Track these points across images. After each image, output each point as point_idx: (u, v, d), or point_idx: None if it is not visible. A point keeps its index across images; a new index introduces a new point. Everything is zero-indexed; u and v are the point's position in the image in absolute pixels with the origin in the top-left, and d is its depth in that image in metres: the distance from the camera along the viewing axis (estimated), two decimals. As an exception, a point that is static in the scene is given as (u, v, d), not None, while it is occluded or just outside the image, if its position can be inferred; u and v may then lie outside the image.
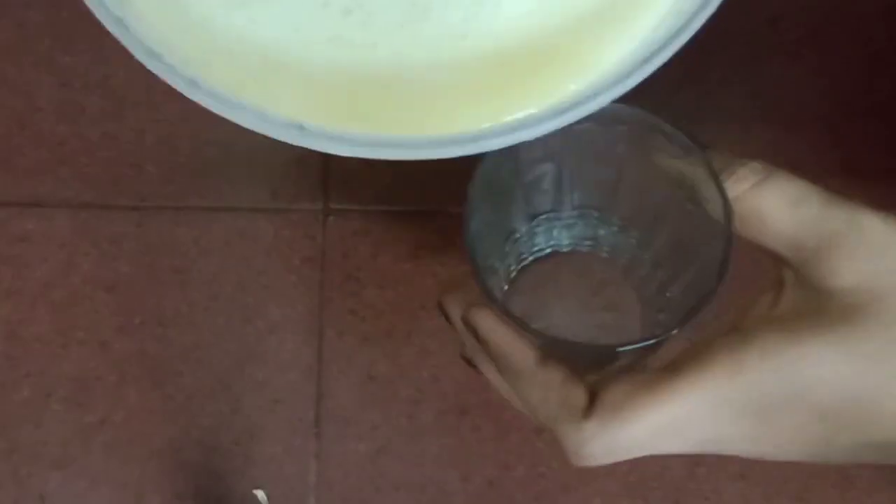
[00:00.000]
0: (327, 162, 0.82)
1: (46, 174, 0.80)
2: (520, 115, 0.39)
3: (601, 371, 0.43)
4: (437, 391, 0.77)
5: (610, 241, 0.52)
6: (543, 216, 0.51)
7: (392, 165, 0.83)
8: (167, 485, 0.75)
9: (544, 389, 0.42)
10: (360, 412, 0.76)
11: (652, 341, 0.40)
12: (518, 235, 0.51)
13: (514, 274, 0.53)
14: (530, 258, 0.53)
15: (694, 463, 0.76)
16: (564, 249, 0.54)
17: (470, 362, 0.49)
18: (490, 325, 0.43)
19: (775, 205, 0.41)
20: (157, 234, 0.79)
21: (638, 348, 0.40)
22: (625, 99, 0.41)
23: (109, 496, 0.75)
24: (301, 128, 0.38)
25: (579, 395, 0.41)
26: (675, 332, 0.40)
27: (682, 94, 0.78)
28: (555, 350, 0.41)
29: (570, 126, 0.40)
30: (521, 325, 0.40)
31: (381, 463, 0.75)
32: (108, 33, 0.84)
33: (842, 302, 0.39)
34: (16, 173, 0.80)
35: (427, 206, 0.80)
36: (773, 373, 0.38)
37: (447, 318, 0.46)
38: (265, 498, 0.69)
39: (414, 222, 0.80)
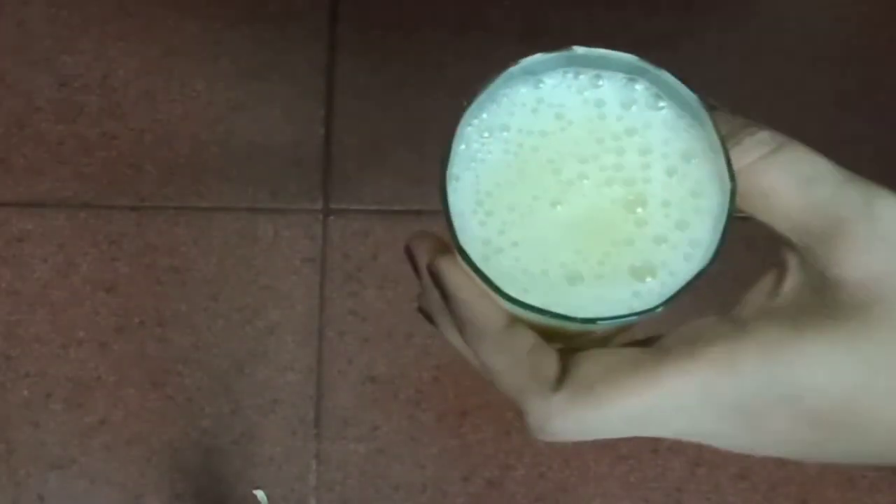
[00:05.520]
0: (327, 162, 0.82)
1: (45, 174, 0.80)
2: None
3: (571, 341, 0.39)
4: (438, 392, 0.76)
5: None
6: None
7: (392, 165, 0.83)
8: (166, 485, 0.75)
9: (511, 355, 0.38)
10: (361, 413, 0.76)
11: (633, 317, 0.36)
12: None
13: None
14: None
15: (694, 463, 0.76)
16: None
17: (427, 315, 0.44)
18: (457, 279, 0.38)
19: (784, 182, 0.37)
20: (157, 235, 0.79)
21: (617, 323, 0.36)
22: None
23: (108, 497, 0.75)
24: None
25: (550, 365, 0.37)
26: (659, 309, 0.36)
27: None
28: (525, 316, 0.38)
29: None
30: (493, 287, 0.36)
31: (382, 464, 0.75)
32: (107, 33, 0.84)
33: (848, 297, 0.35)
34: (15, 173, 0.80)
35: (427, 206, 0.80)
36: (769, 372, 0.35)
37: (413, 265, 0.41)
38: (265, 498, 0.69)
39: (414, 222, 0.80)
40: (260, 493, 0.69)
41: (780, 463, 0.76)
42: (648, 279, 0.37)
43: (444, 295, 0.38)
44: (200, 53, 0.83)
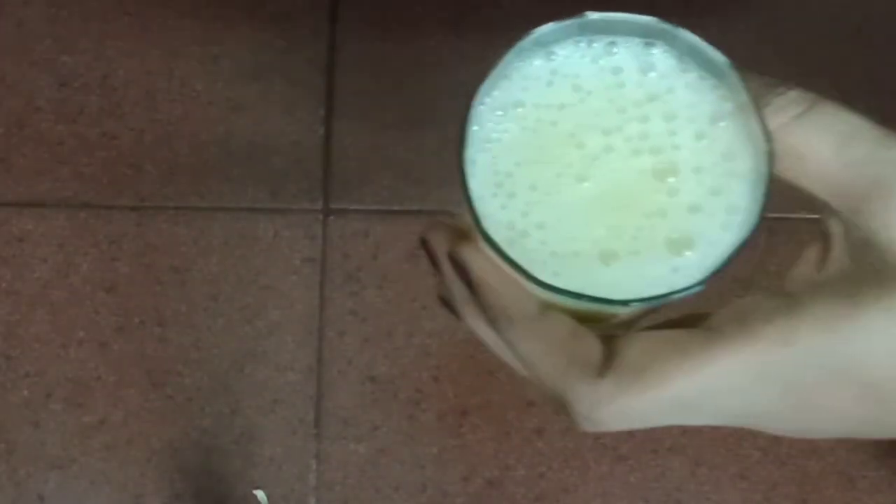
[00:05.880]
0: (327, 162, 0.82)
1: (45, 174, 0.80)
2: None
3: (601, 325, 0.37)
4: (438, 392, 0.76)
5: None
6: None
7: (392, 166, 0.83)
8: (167, 485, 0.75)
9: (548, 341, 0.35)
10: (361, 413, 0.76)
11: (676, 295, 0.33)
12: None
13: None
14: None
15: (694, 463, 0.76)
16: None
17: (449, 305, 0.41)
18: (483, 264, 0.35)
19: (819, 143, 0.34)
20: (157, 234, 0.79)
21: (658, 303, 0.34)
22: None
23: (109, 497, 0.75)
24: None
25: (593, 350, 0.35)
26: (699, 287, 0.33)
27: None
28: (558, 302, 0.35)
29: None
30: (524, 273, 0.33)
31: (382, 464, 0.75)
32: (107, 33, 0.84)
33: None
34: (15, 173, 0.80)
35: (427, 206, 0.80)
36: (827, 346, 0.33)
37: (431, 257, 0.39)
38: (265, 498, 0.69)
39: (414, 222, 0.80)
40: (260, 493, 0.69)
41: (780, 463, 0.76)
42: (687, 252, 0.35)
43: (470, 284, 0.36)
44: (200, 53, 0.83)
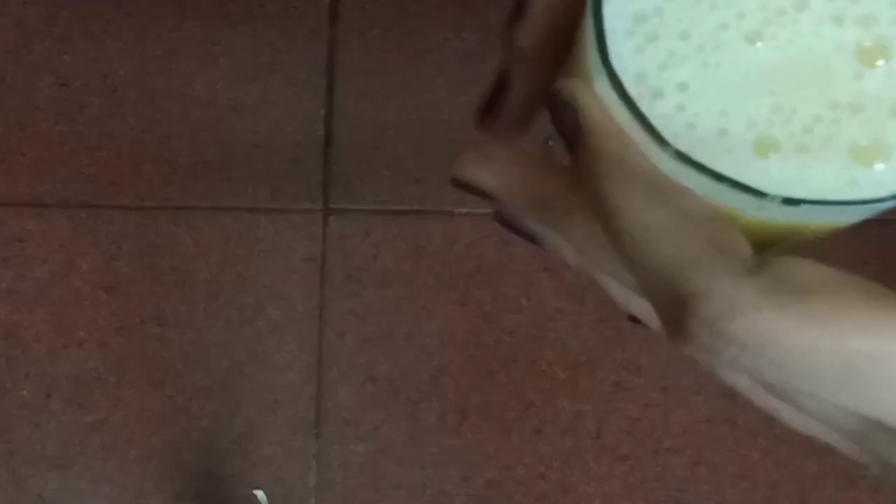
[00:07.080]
0: (327, 162, 0.82)
1: (45, 174, 0.80)
2: None
3: None
4: (438, 392, 0.76)
5: None
6: None
7: (392, 166, 0.83)
8: (167, 486, 0.75)
9: (681, 213, 0.26)
10: (361, 413, 0.76)
11: (855, 206, 0.25)
12: None
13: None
14: None
15: (694, 463, 0.76)
16: None
17: (512, 225, 0.30)
18: (597, 109, 0.26)
19: None
20: (157, 234, 0.79)
21: (836, 212, 0.26)
22: None
23: (108, 497, 0.75)
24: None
25: (740, 242, 0.26)
26: (893, 202, 0.25)
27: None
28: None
29: None
30: (651, 132, 0.25)
31: (382, 464, 0.75)
32: (107, 33, 0.84)
33: None
34: (15, 173, 0.80)
35: (427, 206, 0.80)
36: None
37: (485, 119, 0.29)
38: (265, 498, 0.69)
39: (414, 222, 0.80)
40: (260, 493, 0.69)
41: (780, 462, 0.76)
42: (877, 165, 0.26)
43: (574, 128, 0.26)
44: (200, 53, 0.83)
